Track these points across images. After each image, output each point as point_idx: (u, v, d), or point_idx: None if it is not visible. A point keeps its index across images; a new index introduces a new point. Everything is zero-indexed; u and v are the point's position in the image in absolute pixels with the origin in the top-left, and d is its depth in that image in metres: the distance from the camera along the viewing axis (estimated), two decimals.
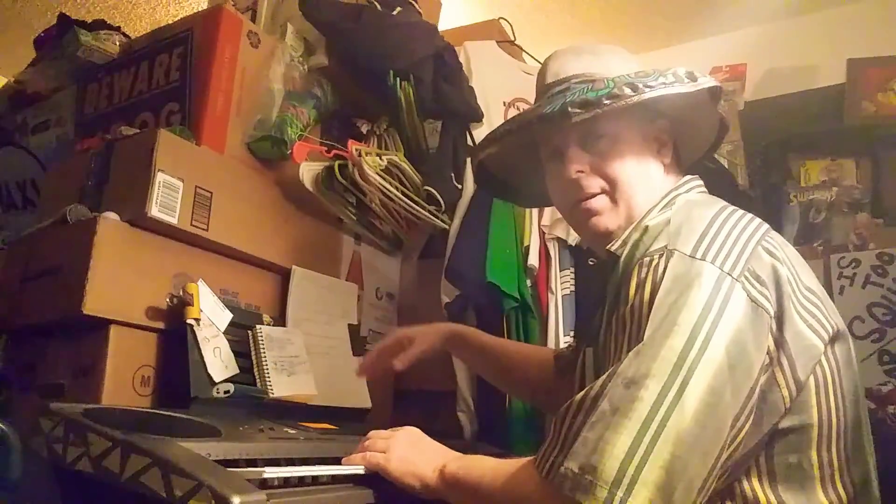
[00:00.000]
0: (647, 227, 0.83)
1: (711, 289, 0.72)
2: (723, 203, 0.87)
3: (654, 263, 0.76)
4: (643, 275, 0.76)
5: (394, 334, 1.26)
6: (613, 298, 0.81)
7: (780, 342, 0.75)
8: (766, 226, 0.84)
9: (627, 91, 0.86)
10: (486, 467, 0.85)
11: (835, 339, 0.79)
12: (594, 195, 0.94)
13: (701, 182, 0.97)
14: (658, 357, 0.69)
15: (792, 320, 0.75)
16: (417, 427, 0.99)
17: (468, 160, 1.59)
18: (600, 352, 0.82)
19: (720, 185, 1.08)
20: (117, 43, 1.56)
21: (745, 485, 0.75)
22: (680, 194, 0.92)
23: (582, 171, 0.94)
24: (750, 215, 0.84)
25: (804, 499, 0.75)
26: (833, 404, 0.77)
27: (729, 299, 0.72)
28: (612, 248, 0.87)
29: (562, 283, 1.50)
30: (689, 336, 0.70)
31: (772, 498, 0.74)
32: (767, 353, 0.74)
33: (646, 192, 0.93)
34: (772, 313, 0.75)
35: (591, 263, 1.46)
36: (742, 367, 0.71)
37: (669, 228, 0.80)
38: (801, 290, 0.79)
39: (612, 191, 0.94)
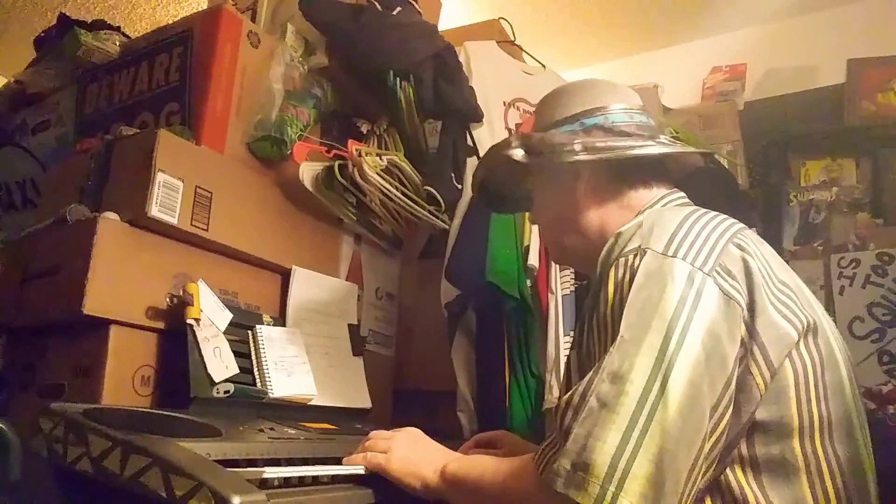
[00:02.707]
0: (619, 232, 0.85)
1: (684, 284, 0.74)
2: (695, 207, 0.90)
3: (629, 262, 0.78)
4: (620, 274, 0.78)
5: (498, 433, 1.24)
6: (593, 300, 0.82)
7: (752, 331, 0.76)
8: (739, 225, 0.86)
9: (519, 154, 0.99)
10: (486, 466, 0.86)
11: (812, 331, 0.80)
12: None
13: (682, 194, 0.99)
14: (639, 352, 0.71)
15: (764, 310, 0.77)
16: (417, 427, 1.00)
17: (468, 161, 1.59)
18: (583, 353, 0.84)
19: (720, 185, 1.09)
20: (117, 43, 1.56)
21: (731, 477, 0.76)
22: (654, 209, 0.95)
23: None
24: (722, 216, 0.86)
25: (788, 491, 0.75)
26: (813, 396, 0.78)
27: (702, 293, 0.74)
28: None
29: (562, 283, 1.50)
30: (666, 330, 0.72)
31: (756, 490, 0.75)
32: (742, 345, 0.75)
33: (573, 226, 1.01)
34: (743, 305, 0.76)
35: (582, 284, 1.50)
36: (717, 358, 0.73)
37: (642, 230, 0.82)
38: (773, 282, 0.81)
39: (543, 234, 1.12)
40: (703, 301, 0.74)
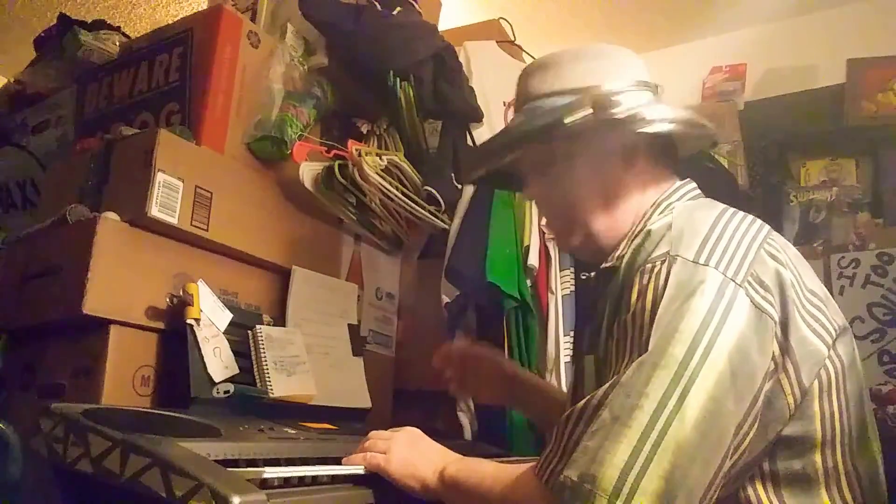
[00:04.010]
0: (649, 231, 0.82)
1: (714, 295, 0.72)
2: (723, 206, 0.86)
3: (657, 270, 0.75)
4: (645, 281, 0.75)
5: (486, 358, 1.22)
6: (614, 305, 0.80)
7: (785, 348, 0.74)
8: (767, 227, 0.83)
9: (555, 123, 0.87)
10: (485, 471, 0.85)
11: (837, 340, 0.79)
12: (548, 221, 0.95)
13: (694, 185, 0.95)
14: (659, 366, 0.69)
15: (797, 326, 0.75)
16: (417, 427, 0.99)
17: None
18: (601, 359, 0.82)
19: (720, 185, 1.08)
20: (117, 43, 1.56)
21: (750, 491, 0.75)
22: (672, 202, 0.90)
23: (535, 199, 0.96)
24: (751, 217, 0.83)
25: (808, 503, 0.74)
26: (836, 408, 0.76)
27: (732, 306, 0.72)
28: (607, 265, 0.87)
29: (562, 283, 1.50)
30: (690, 344, 0.69)
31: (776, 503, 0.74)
32: (773, 360, 0.73)
33: (606, 206, 0.92)
34: (776, 319, 0.74)
35: (583, 278, 1.46)
36: (745, 374, 0.70)
37: (671, 233, 0.79)
38: (804, 293, 0.79)
39: (563, 214, 0.95)
40: (732, 314, 0.71)
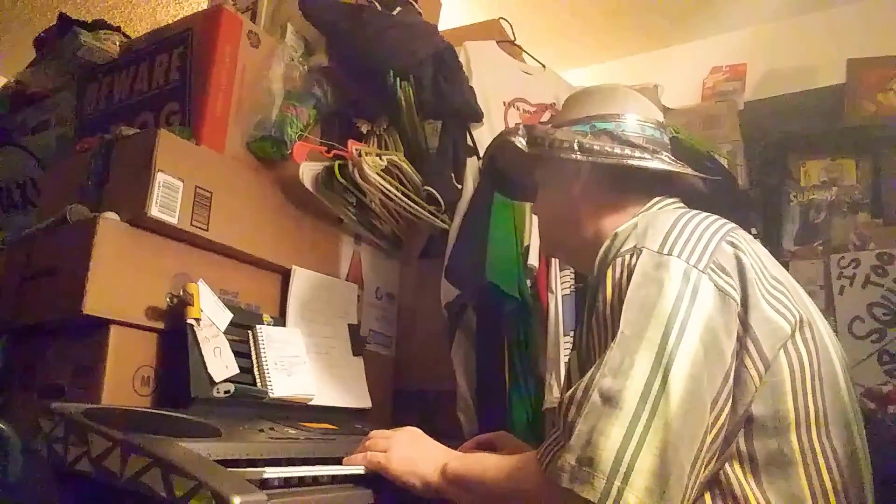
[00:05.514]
0: (616, 233, 0.87)
1: (681, 281, 0.76)
2: (687, 209, 0.92)
3: (626, 262, 0.79)
4: (618, 274, 0.79)
5: (499, 434, 1.24)
6: (591, 300, 0.84)
7: (746, 325, 0.77)
8: (731, 225, 0.87)
9: (520, 142, 1.01)
10: (487, 464, 0.86)
11: (805, 326, 0.81)
12: (541, 233, 1.15)
13: (675, 200, 0.99)
14: (640, 348, 0.72)
15: (757, 304, 0.78)
16: (417, 427, 1.00)
17: (468, 161, 1.59)
18: (583, 353, 0.85)
19: (720, 185, 1.08)
20: (117, 43, 1.56)
21: (729, 473, 0.77)
22: (649, 212, 0.95)
23: (535, 212, 1.19)
24: (714, 217, 0.87)
25: (785, 486, 0.75)
26: (809, 389, 0.79)
27: (698, 290, 0.76)
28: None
29: (562, 283, 1.50)
30: (665, 326, 0.73)
31: (754, 486, 0.75)
32: (738, 339, 0.77)
33: (574, 228, 1.02)
34: (738, 300, 0.78)
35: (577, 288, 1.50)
36: (715, 352, 0.74)
37: (637, 230, 0.83)
38: (766, 278, 0.82)
39: (541, 230, 1.15)
40: (699, 297, 0.75)
